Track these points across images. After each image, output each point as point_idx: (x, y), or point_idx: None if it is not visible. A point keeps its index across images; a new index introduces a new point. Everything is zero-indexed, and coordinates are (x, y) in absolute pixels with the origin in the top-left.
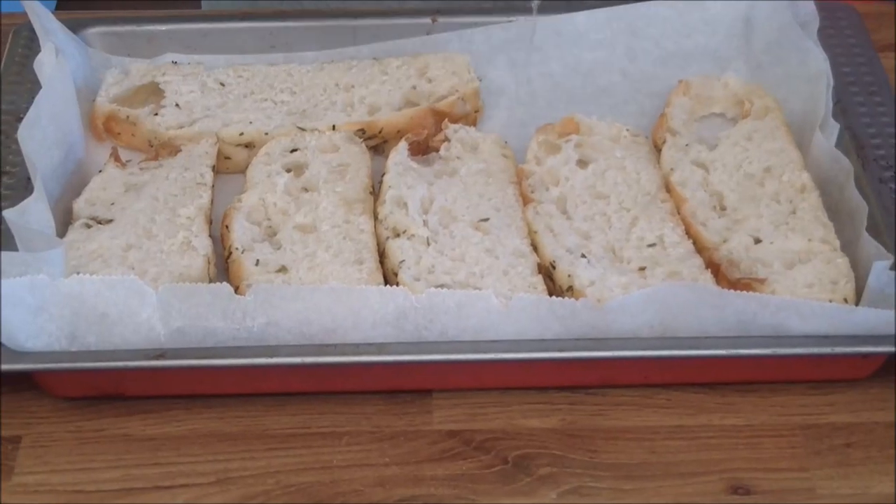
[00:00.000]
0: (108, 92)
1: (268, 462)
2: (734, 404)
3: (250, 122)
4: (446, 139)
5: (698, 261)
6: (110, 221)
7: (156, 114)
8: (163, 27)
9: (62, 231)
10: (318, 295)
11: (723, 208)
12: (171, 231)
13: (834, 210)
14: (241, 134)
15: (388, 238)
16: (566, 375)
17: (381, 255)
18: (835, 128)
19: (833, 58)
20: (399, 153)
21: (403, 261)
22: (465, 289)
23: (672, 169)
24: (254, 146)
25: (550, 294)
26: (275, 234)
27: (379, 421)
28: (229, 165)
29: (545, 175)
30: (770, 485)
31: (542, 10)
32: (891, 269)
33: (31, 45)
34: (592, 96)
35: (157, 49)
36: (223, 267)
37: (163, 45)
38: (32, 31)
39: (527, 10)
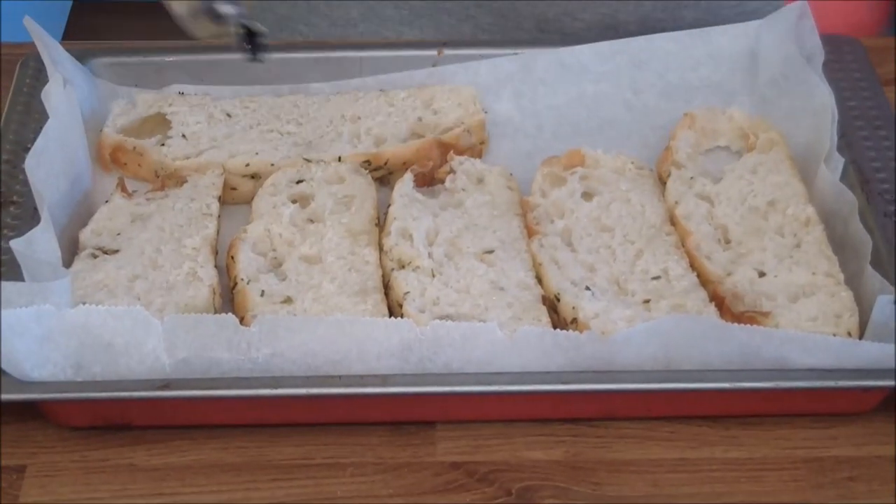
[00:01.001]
0: (115, 122)
1: (271, 493)
2: (737, 437)
3: (256, 153)
4: (452, 171)
5: (703, 294)
6: (116, 252)
7: (162, 144)
8: (170, 58)
9: (68, 261)
10: (323, 326)
11: (727, 241)
12: (177, 261)
13: (838, 243)
14: (247, 165)
15: (393, 269)
16: (570, 407)
17: (386, 287)
18: (840, 161)
19: (838, 91)
20: (404, 184)
21: (408, 292)
22: (470, 321)
23: (677, 202)
24: (259, 177)
25: (555, 326)
26: (280, 264)
27: (383, 452)
28: (235, 196)
29: (550, 207)
30: None
31: (545, 43)
32: (894, 302)
33: (39, 75)
34: (597, 129)
35: (165, 79)
36: (228, 297)
37: (170, 76)
38: (40, 61)
39: (532, 44)
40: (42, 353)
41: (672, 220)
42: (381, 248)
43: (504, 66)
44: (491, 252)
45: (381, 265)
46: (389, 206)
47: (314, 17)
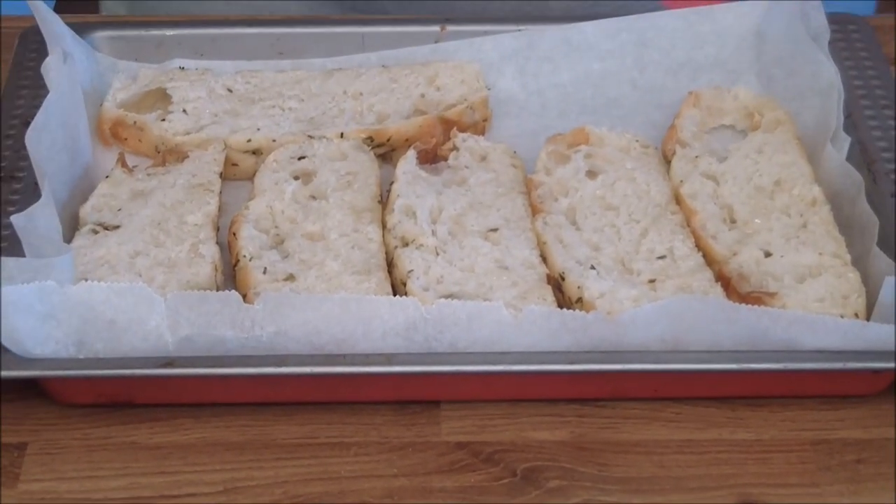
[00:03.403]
0: (115, 97)
1: (275, 472)
2: (744, 419)
3: (258, 129)
4: (455, 148)
5: (708, 274)
6: (117, 227)
7: (163, 119)
8: (171, 32)
9: (69, 237)
10: (328, 304)
11: (733, 221)
12: (179, 238)
13: (845, 224)
14: (249, 140)
15: (396, 247)
16: (576, 388)
17: (390, 265)
18: (846, 141)
19: (844, 71)
20: (408, 162)
21: (412, 270)
22: (474, 299)
23: (682, 181)
24: (261, 153)
25: (559, 305)
26: (282, 241)
27: (387, 432)
28: (237, 172)
29: (554, 185)
30: (780, 500)
31: (551, 20)
32: None
33: (39, 48)
34: (602, 107)
35: (165, 54)
36: (230, 275)
37: (171, 50)
38: (40, 34)
39: (537, 20)
40: (44, 330)
41: (677, 200)
42: (384, 226)
43: (508, 42)
44: (495, 230)
45: (385, 243)
46: (392, 183)
47: None
